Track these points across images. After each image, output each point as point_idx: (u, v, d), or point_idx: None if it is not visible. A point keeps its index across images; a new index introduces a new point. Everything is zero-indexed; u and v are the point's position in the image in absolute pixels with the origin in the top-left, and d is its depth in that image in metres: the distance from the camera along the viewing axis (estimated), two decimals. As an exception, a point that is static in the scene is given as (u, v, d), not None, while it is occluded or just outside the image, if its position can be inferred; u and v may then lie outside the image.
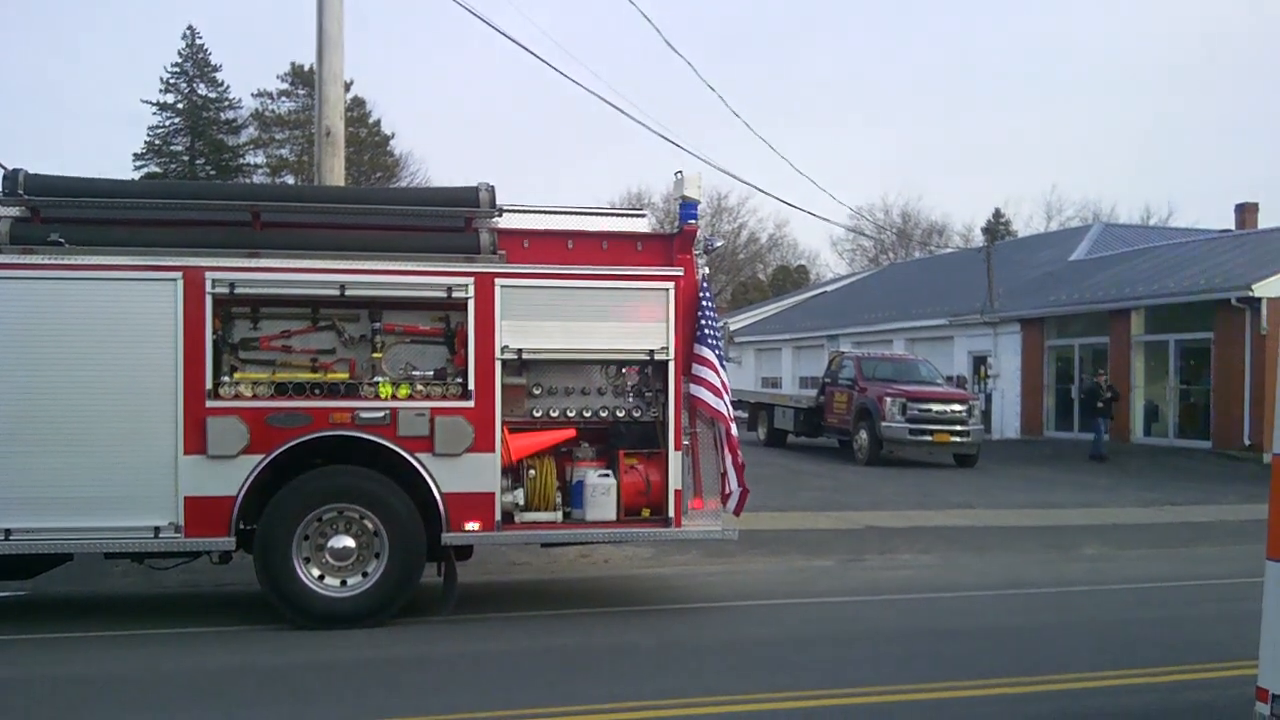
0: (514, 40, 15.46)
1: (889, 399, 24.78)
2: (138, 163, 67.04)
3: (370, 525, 9.11)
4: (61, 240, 8.81)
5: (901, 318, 41.03)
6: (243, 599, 10.27)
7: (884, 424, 24.70)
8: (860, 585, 11.68)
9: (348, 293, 9.08)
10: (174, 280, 8.78)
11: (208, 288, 8.82)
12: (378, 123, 69.65)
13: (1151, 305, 29.92)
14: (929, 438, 24.64)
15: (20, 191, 8.94)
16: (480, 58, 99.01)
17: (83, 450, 8.70)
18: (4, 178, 8.97)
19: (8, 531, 8.64)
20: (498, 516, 9.21)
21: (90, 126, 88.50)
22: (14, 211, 9.02)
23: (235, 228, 9.28)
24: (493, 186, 9.54)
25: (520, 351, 9.30)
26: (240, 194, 10.55)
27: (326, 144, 13.30)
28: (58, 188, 9.11)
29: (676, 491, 9.49)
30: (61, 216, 9.04)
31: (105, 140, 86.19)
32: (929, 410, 24.70)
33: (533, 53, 15.10)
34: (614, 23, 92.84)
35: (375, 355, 9.30)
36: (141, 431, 8.74)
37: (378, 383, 9.15)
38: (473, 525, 9.17)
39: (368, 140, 67.85)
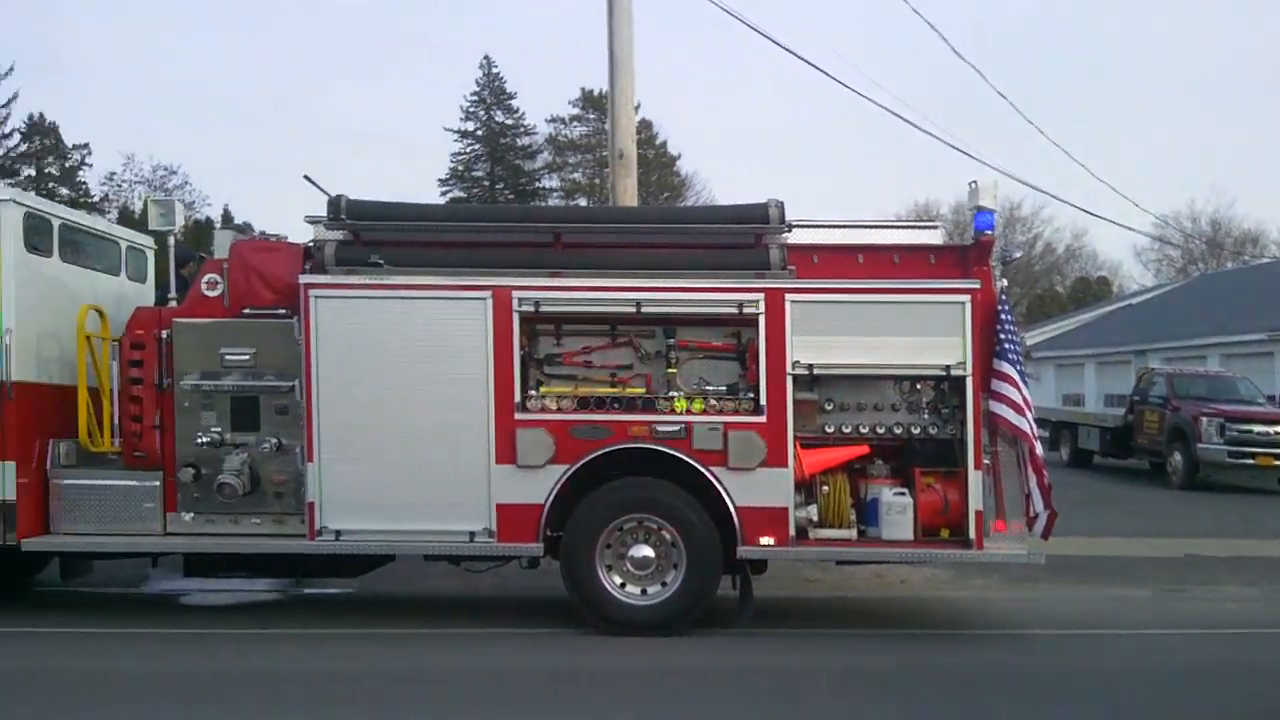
0: (802, 58, 15.50)
1: (1205, 419, 23.20)
2: (443, 188, 70.93)
3: (668, 536, 9.29)
4: (381, 261, 9.42)
5: (1216, 332, 38.30)
6: (550, 604, 10.63)
7: (1200, 445, 23.13)
8: (1184, 618, 10.93)
9: (644, 309, 9.28)
10: (484, 299, 9.23)
11: (515, 306, 9.23)
12: (664, 144, 71.02)
13: None
14: (1251, 461, 22.88)
15: (343, 216, 9.58)
16: (762, 74, 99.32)
17: (404, 459, 9.25)
18: (328, 204, 9.62)
19: (338, 533, 9.30)
20: (791, 532, 9.20)
21: (398, 155, 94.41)
22: (337, 235, 9.69)
23: (539, 248, 9.67)
24: (782, 202, 9.56)
25: (811, 366, 9.27)
26: (543, 216, 11.05)
27: (619, 166, 13.66)
28: (376, 212, 9.74)
29: (977, 512, 9.19)
30: (380, 239, 9.65)
31: (412, 167, 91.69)
32: (1250, 432, 22.95)
33: (817, 67, 15.02)
34: (889, 31, 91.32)
35: (670, 370, 9.48)
36: (457, 442, 9.22)
37: (673, 397, 9.33)
38: (767, 540, 9.19)
39: (655, 161, 69.29)
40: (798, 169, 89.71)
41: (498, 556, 9.65)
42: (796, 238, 9.69)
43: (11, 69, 62.32)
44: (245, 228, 10.00)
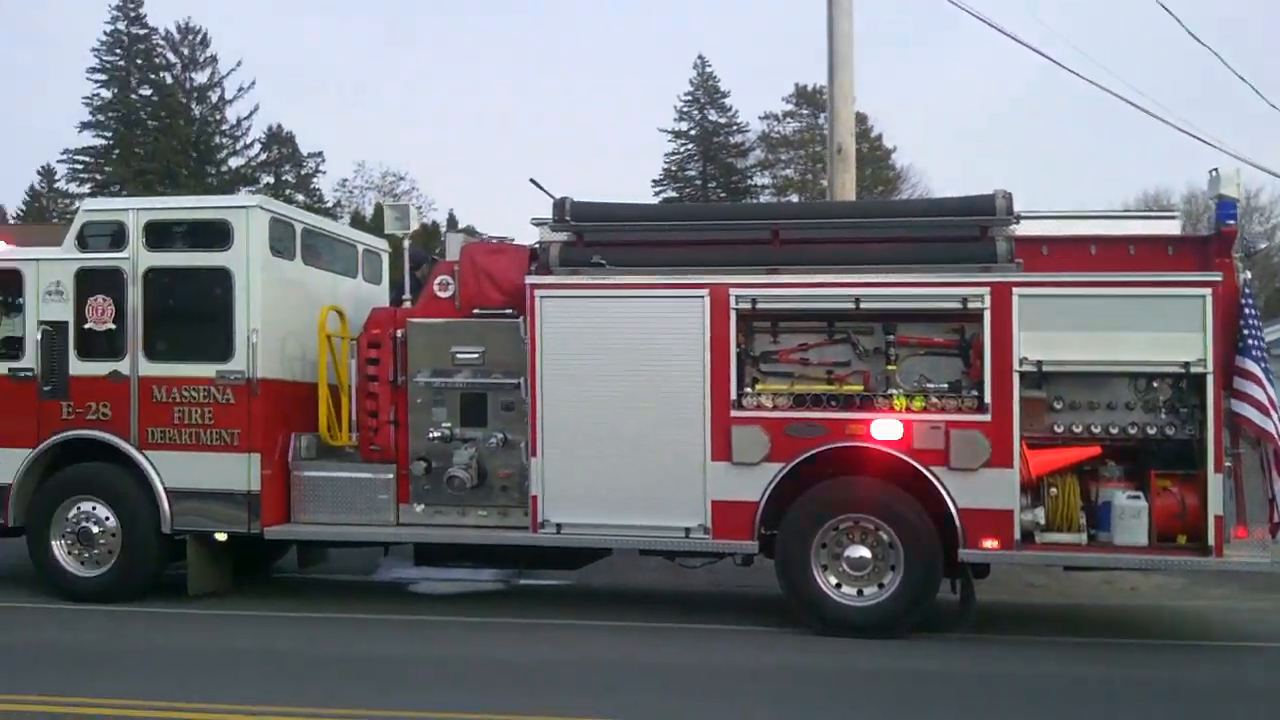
0: (1023, 43, 14.91)
1: None
2: (656, 188, 71.50)
3: (886, 537, 9.15)
4: (603, 262, 9.60)
5: None
6: (764, 602, 10.64)
7: None
8: None
9: (863, 306, 9.17)
10: (701, 297, 9.28)
11: (732, 304, 9.24)
12: (879, 137, 69.77)
13: None
14: None
15: (567, 218, 9.81)
16: (981, 62, 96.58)
17: (622, 454, 9.41)
18: (553, 206, 9.88)
19: (559, 526, 9.53)
20: (1016, 535, 8.91)
21: (611, 156, 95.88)
22: (561, 236, 9.93)
23: (756, 246, 9.68)
24: (1009, 193, 9.28)
25: (1040, 363, 8.95)
26: (760, 213, 11.08)
27: (838, 161, 13.55)
28: (599, 213, 9.95)
29: (1217, 517, 8.71)
30: (602, 240, 9.85)
31: (626, 169, 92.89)
32: None
33: (1039, 51, 14.51)
34: (1117, 13, 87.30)
35: (889, 368, 9.32)
36: (673, 438, 9.31)
37: (892, 395, 9.17)
38: (990, 543, 8.95)
39: (869, 155, 68.19)
40: (1019, 160, 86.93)
41: (712, 553, 9.69)
42: (1024, 230, 9.40)
43: (253, 83, 66.20)
44: (474, 231, 10.38)
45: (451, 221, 57.01)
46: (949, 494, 8.95)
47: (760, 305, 9.30)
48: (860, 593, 9.21)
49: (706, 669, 8.41)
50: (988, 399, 8.97)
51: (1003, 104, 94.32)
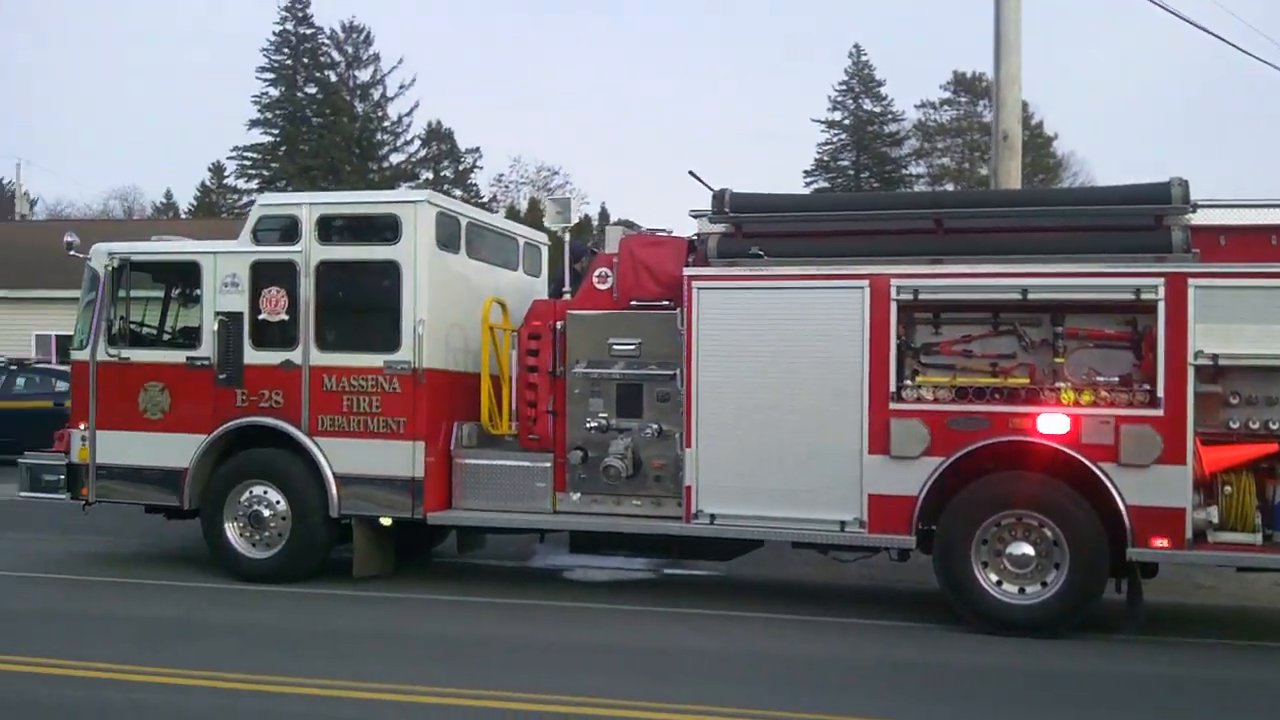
0: (1193, 23, 14.32)
1: None
2: (807, 178, 71.08)
3: (1050, 534, 8.90)
4: (761, 253, 9.57)
5: None
6: (918, 597, 10.51)
7: None
8: None
9: (1030, 296, 8.93)
10: (861, 288, 9.17)
11: (893, 294, 9.11)
12: (1040, 124, 67.98)
13: None
14: None
15: (726, 210, 9.81)
16: (1149, 45, 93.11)
17: (777, 446, 9.36)
18: (713, 198, 9.88)
19: (713, 517, 9.54)
20: (1188, 534, 8.59)
21: (761, 147, 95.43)
22: (720, 228, 9.93)
23: (918, 235, 9.53)
24: (1185, 181, 8.93)
25: (1216, 357, 8.59)
26: (923, 202, 10.87)
27: (1004, 147, 13.28)
28: (758, 205, 9.91)
29: (1403, 518, 8.27)
30: (760, 231, 9.82)
31: (776, 159, 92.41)
32: None
33: (1210, 32, 13.92)
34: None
35: (1056, 360, 9.06)
36: (829, 430, 9.23)
37: (1059, 388, 8.92)
38: (1161, 542, 8.63)
39: (1030, 142, 66.40)
40: (1189, 146, 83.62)
41: (867, 547, 9.59)
42: (1202, 219, 9.05)
43: (414, 80, 67.97)
44: (633, 224, 10.44)
45: (604, 215, 57.60)
46: (1118, 491, 8.66)
47: (922, 296, 9.14)
48: (1022, 590, 8.99)
49: (868, 664, 8.34)
50: (1160, 393, 8.64)
51: (1174, 89, 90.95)
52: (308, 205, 10.71)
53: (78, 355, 11.26)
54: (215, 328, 10.68)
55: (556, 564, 12.27)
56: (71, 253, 11.11)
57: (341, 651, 8.35)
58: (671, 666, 8.12)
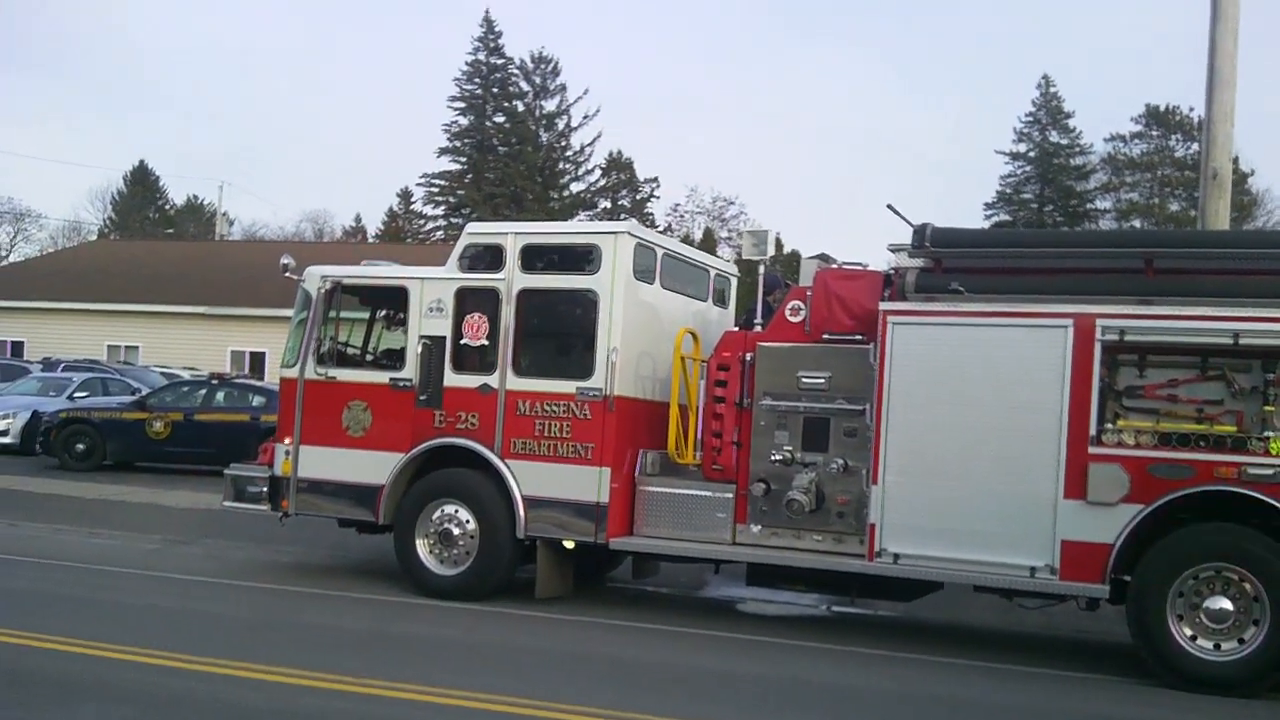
0: None
1: None
2: (988, 211, 69.71)
3: (1250, 589, 8.53)
4: (961, 289, 9.47)
5: None
6: (1102, 649, 10.22)
7: None
8: None
9: (1241, 341, 8.62)
10: (1065, 327, 8.98)
11: (1097, 335, 8.90)
12: (1235, 159, 65.15)
13: None
14: None
15: (927, 244, 9.72)
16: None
17: (967, 486, 9.23)
18: (913, 232, 9.80)
19: (896, 556, 9.42)
20: (1397, 593, 8.13)
21: (938, 176, 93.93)
22: (919, 262, 9.85)
23: (1125, 274, 9.30)
24: None
25: None
26: (1133, 241, 10.61)
27: (1213, 185, 12.84)
28: (959, 240, 9.84)
29: None
30: (960, 266, 9.70)
31: (955, 191, 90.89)
32: None
33: None
34: None
35: (1267, 408, 8.70)
36: (1023, 472, 9.05)
37: (1269, 437, 8.55)
38: None
39: (1225, 179, 63.80)
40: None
41: (1057, 595, 9.35)
42: None
43: (598, 110, 69.20)
44: (828, 258, 10.45)
45: (779, 244, 57.45)
46: (1325, 546, 8.25)
47: (1129, 337, 8.90)
48: (1218, 646, 8.63)
49: (1053, 715, 8.13)
50: (1377, 445, 8.22)
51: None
52: (513, 235, 11.00)
53: (287, 373, 11.76)
54: (419, 350, 11.02)
55: (729, 595, 12.29)
56: (287, 274, 11.64)
57: (523, 669, 8.55)
58: (846, 706, 8.09)
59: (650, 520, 10.58)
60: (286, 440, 11.51)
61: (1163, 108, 65.18)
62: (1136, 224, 62.98)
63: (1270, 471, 8.45)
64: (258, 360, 36.47)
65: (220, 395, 22.02)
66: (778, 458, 10.06)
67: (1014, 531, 9.07)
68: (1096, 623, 10.37)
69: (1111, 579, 8.86)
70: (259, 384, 23.32)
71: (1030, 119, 69.50)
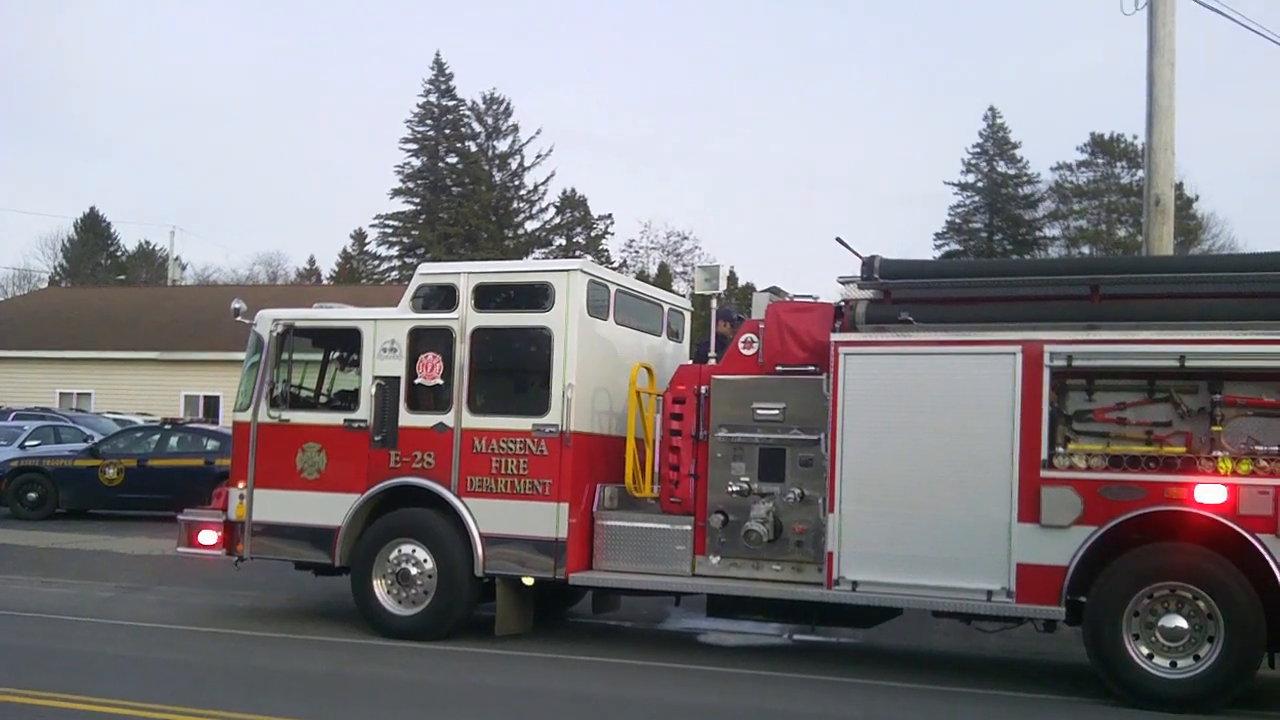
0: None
1: None
2: (938, 241, 70.51)
3: (1204, 607, 8.63)
4: (910, 319, 9.58)
5: None
6: (1059, 669, 10.29)
7: None
8: None
9: (1188, 363, 8.76)
10: (1013, 354, 9.09)
11: (1045, 360, 9.01)
12: (1179, 185, 66.31)
13: None
14: None
15: (876, 276, 9.83)
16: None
17: (923, 513, 9.30)
18: (862, 264, 9.91)
19: (855, 583, 9.46)
20: (1350, 609, 8.27)
21: (891, 209, 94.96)
22: (868, 294, 9.96)
23: (1072, 301, 9.45)
24: (1352, 245, 8.72)
25: None
26: (1079, 268, 10.81)
27: (1156, 213, 13.15)
28: (907, 270, 9.96)
29: None
30: (909, 297, 9.82)
31: (905, 221, 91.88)
32: None
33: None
34: None
35: (1214, 428, 8.85)
36: (977, 497, 9.14)
37: (1217, 457, 8.70)
38: None
39: (1169, 204, 64.89)
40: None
41: (1015, 618, 9.40)
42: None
43: (551, 149, 69.46)
44: (779, 291, 10.58)
45: (732, 278, 57.81)
46: (1276, 563, 8.39)
47: (1076, 362, 9.03)
48: (1174, 664, 8.72)
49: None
50: (1323, 463, 8.37)
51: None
52: (466, 274, 11.00)
53: (240, 416, 11.68)
54: (373, 391, 10.98)
55: (690, 627, 12.30)
56: (239, 318, 11.59)
57: (485, 709, 8.54)
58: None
59: (610, 554, 10.56)
60: (240, 484, 11.42)
61: (1107, 136, 66.29)
62: (1085, 250, 63.92)
63: (1220, 491, 8.57)
64: (212, 404, 36.11)
65: (174, 440, 21.85)
66: (735, 489, 10.09)
67: (970, 556, 9.14)
68: (1054, 644, 10.47)
69: (1067, 600, 8.93)
70: (213, 428, 23.13)
71: (978, 150, 70.51)
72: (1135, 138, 59.40)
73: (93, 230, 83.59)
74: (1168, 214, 13.18)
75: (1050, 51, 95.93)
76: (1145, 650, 8.78)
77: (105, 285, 67.62)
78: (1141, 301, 9.30)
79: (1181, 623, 8.69)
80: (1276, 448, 8.69)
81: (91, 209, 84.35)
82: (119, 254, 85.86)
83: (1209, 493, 8.61)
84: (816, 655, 11.25)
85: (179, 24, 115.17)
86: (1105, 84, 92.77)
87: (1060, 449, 9.06)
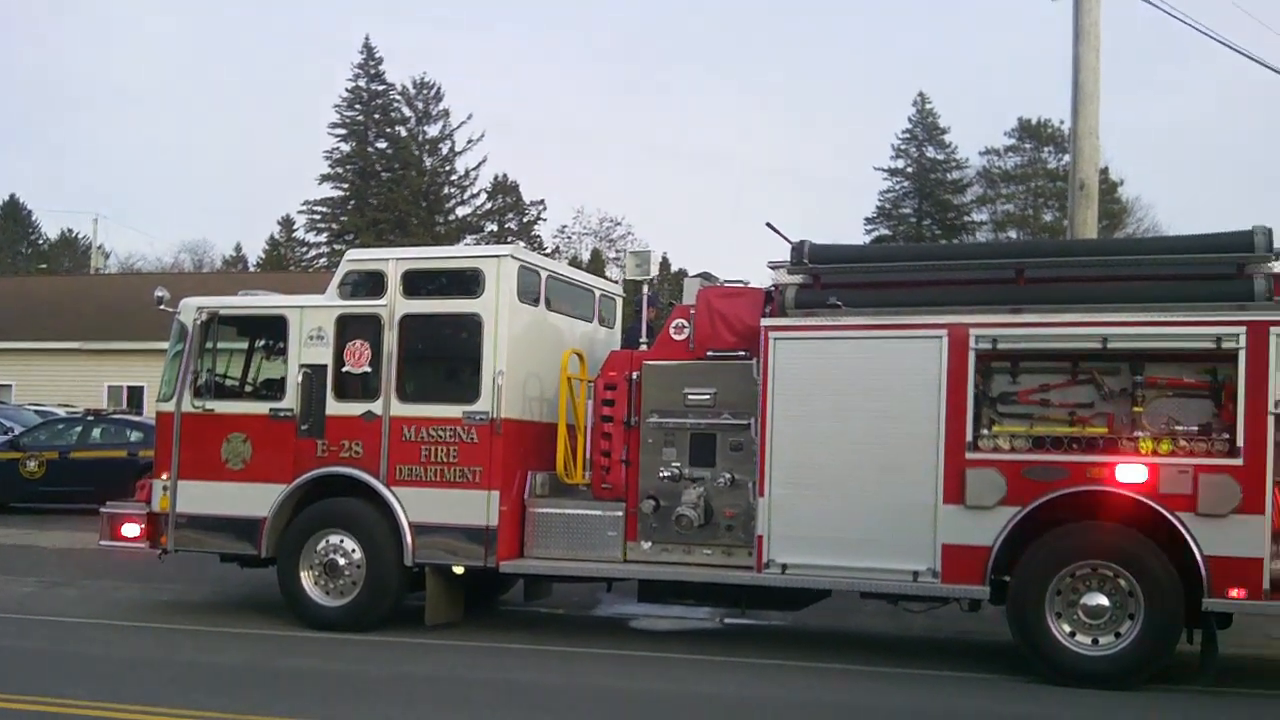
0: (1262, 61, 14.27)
1: None
2: (868, 226, 71.04)
3: (1125, 585, 8.79)
4: (839, 303, 9.62)
5: None
6: (984, 648, 10.44)
7: None
8: None
9: (1109, 345, 8.89)
10: (939, 337, 9.18)
11: (971, 344, 9.10)
12: (1105, 169, 67.48)
13: None
14: None
15: (805, 261, 9.86)
16: (1214, 92, 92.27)
17: (851, 496, 9.37)
18: (791, 250, 9.94)
19: (784, 566, 9.52)
20: (1265, 585, 8.47)
21: (818, 193, 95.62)
22: (798, 279, 9.99)
23: (997, 285, 9.55)
24: (1269, 229, 8.88)
25: None
26: (1004, 252, 10.88)
27: (1080, 197, 13.35)
28: (836, 255, 10.01)
29: None
30: (838, 282, 9.86)
31: (835, 207, 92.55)
32: None
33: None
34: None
35: (1135, 409, 8.99)
36: (904, 480, 9.23)
37: (1138, 438, 8.84)
38: (1237, 592, 8.52)
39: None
40: (1268, 193, 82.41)
41: (940, 597, 9.52)
42: (1284, 267, 8.99)
43: (482, 135, 68.92)
44: (710, 276, 10.59)
45: (665, 264, 57.88)
46: (1195, 541, 8.57)
47: (1001, 345, 9.13)
48: (1095, 641, 8.87)
49: (933, 714, 8.32)
50: (1240, 442, 8.56)
51: (1243, 134, 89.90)
52: (394, 260, 10.89)
53: (163, 407, 11.46)
54: (299, 380, 10.83)
55: (621, 612, 12.30)
56: (161, 307, 11.37)
57: (416, 699, 8.46)
58: (739, 716, 8.19)
59: (541, 541, 10.51)
60: (164, 475, 11.23)
61: (1034, 121, 67.10)
62: (1012, 235, 64.73)
63: (1141, 470, 8.72)
64: (136, 395, 35.49)
65: (96, 432, 21.47)
66: (666, 474, 10.09)
67: (897, 538, 9.23)
68: (979, 623, 10.59)
69: (991, 580, 9.05)
70: (136, 419, 22.69)
71: (908, 135, 71.02)
72: (1062, 123, 60.23)
73: (12, 218, 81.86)
74: (1092, 198, 13.37)
75: (979, 37, 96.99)
76: (1068, 628, 8.92)
77: (25, 274, 66.09)
78: (1065, 285, 9.42)
79: (1103, 600, 8.84)
80: (1196, 428, 8.85)
81: (11, 196, 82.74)
82: (40, 242, 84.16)
83: (1130, 472, 8.76)
84: (746, 638, 11.31)
85: (100, 7, 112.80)
86: (1034, 70, 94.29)
87: (985, 431, 9.16)
